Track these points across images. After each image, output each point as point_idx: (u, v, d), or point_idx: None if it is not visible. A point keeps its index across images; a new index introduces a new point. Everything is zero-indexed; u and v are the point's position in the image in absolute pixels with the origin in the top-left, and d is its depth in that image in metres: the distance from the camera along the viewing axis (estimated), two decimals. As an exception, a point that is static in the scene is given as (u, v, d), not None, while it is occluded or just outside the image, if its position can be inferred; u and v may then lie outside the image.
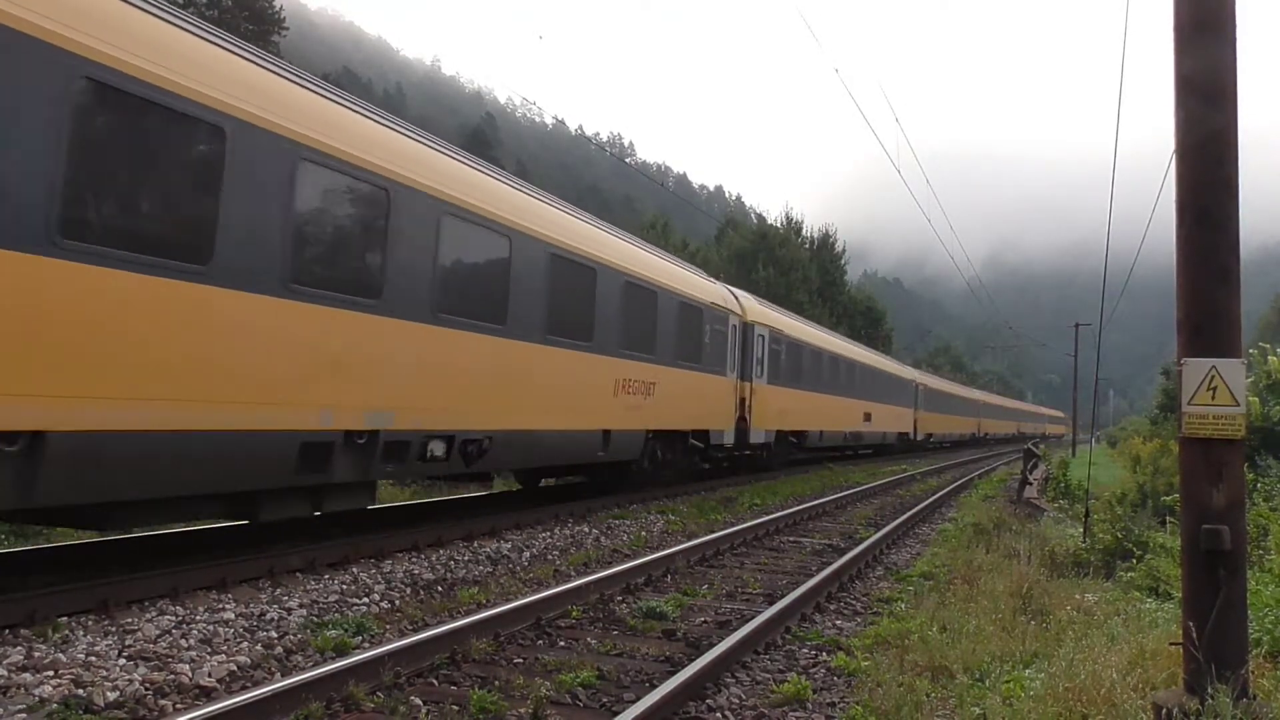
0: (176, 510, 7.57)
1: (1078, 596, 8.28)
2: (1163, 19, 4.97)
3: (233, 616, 6.60)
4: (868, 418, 32.50)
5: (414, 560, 9.11)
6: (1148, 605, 7.91)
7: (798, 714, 5.28)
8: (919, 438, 43.46)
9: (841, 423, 29.13)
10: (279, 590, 7.50)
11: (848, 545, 11.55)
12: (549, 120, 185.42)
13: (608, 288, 13.29)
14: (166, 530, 9.39)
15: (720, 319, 18.20)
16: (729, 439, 18.67)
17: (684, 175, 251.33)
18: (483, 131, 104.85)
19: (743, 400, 19.39)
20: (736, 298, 20.13)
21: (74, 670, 5.20)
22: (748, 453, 20.60)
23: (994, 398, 78.34)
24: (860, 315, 67.08)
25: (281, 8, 40.22)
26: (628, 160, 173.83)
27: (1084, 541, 11.76)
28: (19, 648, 5.50)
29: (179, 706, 4.86)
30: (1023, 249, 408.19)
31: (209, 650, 5.84)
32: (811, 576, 8.87)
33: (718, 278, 22.92)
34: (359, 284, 8.44)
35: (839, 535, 12.88)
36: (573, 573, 8.95)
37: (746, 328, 19.86)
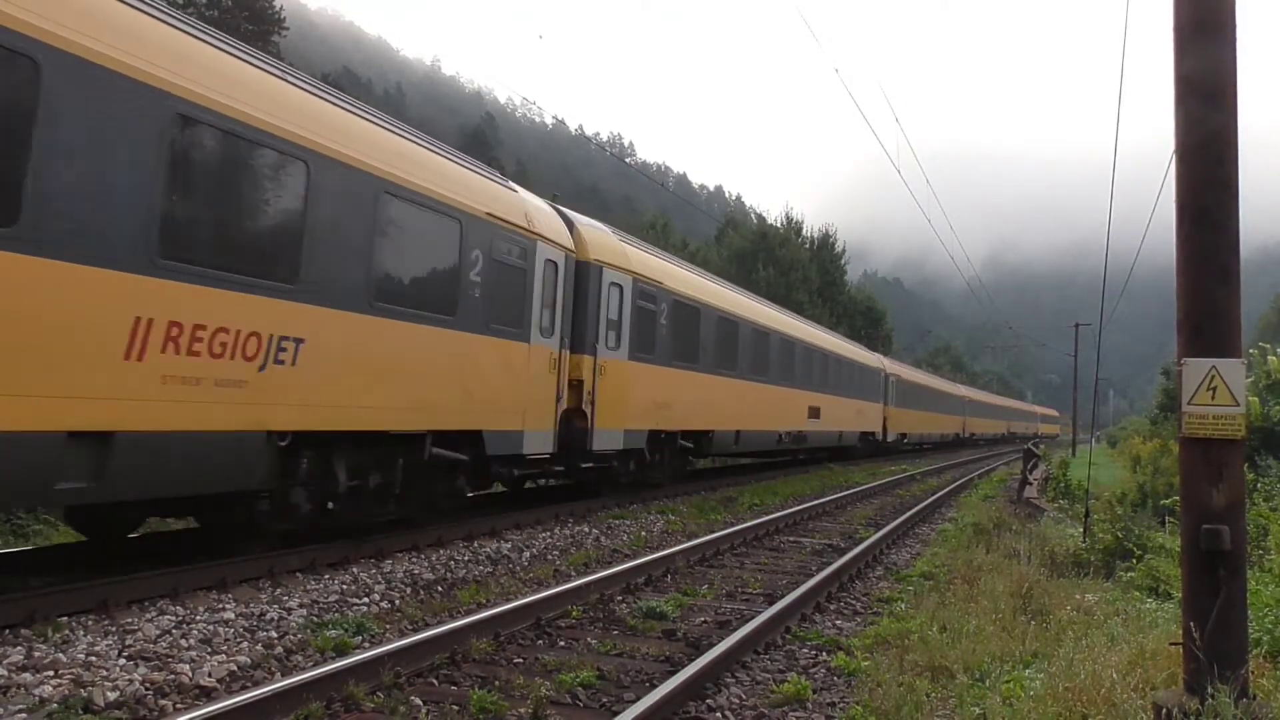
0: None
1: (1078, 596, 8.28)
2: (1163, 19, 4.98)
3: (233, 616, 6.60)
4: (815, 413, 25.40)
5: (414, 560, 9.11)
6: (1148, 605, 7.92)
7: (798, 714, 5.28)
8: (889, 438, 36.18)
9: (772, 420, 21.94)
10: (279, 590, 7.50)
11: (848, 545, 11.55)
12: (549, 120, 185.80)
13: (104, 113, 6.22)
14: (167, 530, 9.39)
15: (517, 247, 11.20)
16: (543, 444, 11.89)
17: (684, 175, 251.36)
18: (483, 131, 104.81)
19: (577, 384, 12.90)
20: (570, 223, 13.20)
21: (74, 670, 5.20)
22: (589, 465, 13.57)
23: (981, 394, 72.75)
24: (860, 315, 67.08)
25: (281, 8, 40.23)
26: (628, 160, 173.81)
27: (1084, 541, 11.77)
28: (19, 648, 5.50)
29: (179, 706, 4.86)
30: (1023, 249, 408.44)
31: (209, 650, 5.84)
32: (811, 576, 8.87)
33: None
34: None
35: (839, 535, 12.88)
36: (573, 573, 8.95)
37: (584, 270, 13.05)
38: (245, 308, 7.26)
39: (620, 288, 14.10)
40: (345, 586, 7.82)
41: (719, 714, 5.20)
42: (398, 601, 7.53)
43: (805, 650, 6.65)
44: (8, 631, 5.79)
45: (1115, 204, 11.39)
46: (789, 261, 59.02)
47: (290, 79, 8.25)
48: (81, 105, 6.11)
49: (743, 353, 19.85)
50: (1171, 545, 10.11)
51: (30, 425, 5.80)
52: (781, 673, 6.05)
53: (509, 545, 10.31)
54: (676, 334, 16.27)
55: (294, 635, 6.31)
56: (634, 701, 4.94)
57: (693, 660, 5.75)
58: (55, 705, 4.71)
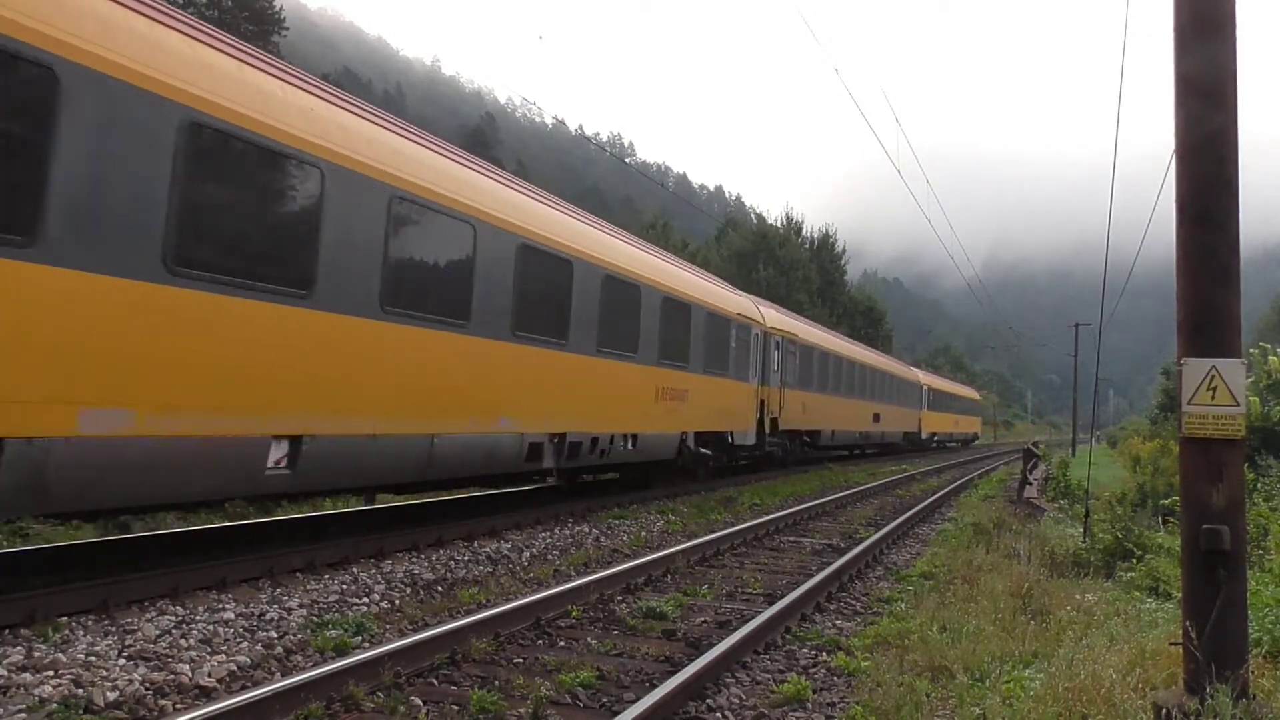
0: None
1: (1078, 596, 8.27)
2: (1163, 19, 4.98)
3: (233, 616, 6.60)
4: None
5: (414, 560, 9.11)
6: (1148, 605, 7.91)
7: (798, 714, 5.28)
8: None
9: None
10: (279, 590, 7.50)
11: (848, 545, 11.55)
12: (549, 120, 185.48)
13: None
14: (167, 530, 9.39)
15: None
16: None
17: (684, 175, 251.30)
18: (482, 131, 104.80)
19: (762, 403, 20.94)
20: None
21: (74, 670, 5.20)
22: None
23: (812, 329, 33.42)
24: (861, 315, 67.11)
25: (281, 8, 40.26)
26: (628, 160, 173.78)
27: (1084, 541, 11.76)
28: (19, 648, 5.50)
29: (179, 706, 4.86)
30: (1022, 249, 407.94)
31: (209, 650, 5.84)
32: (811, 576, 8.87)
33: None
34: None
35: (839, 535, 12.87)
36: (573, 573, 8.95)
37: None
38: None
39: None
40: (345, 586, 7.82)
41: (719, 714, 5.20)
42: (398, 601, 7.53)
43: (805, 650, 6.65)
44: (8, 631, 5.80)
45: (1115, 204, 11.38)
46: (789, 261, 59.13)
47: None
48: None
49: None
50: (1171, 545, 10.10)
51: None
52: (781, 673, 6.05)
53: (509, 545, 10.31)
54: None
55: (294, 635, 6.31)
56: (634, 701, 4.94)
57: (693, 660, 5.74)
58: (55, 705, 4.71)
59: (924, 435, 44.52)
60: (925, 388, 45.04)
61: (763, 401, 20.98)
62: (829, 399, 27.40)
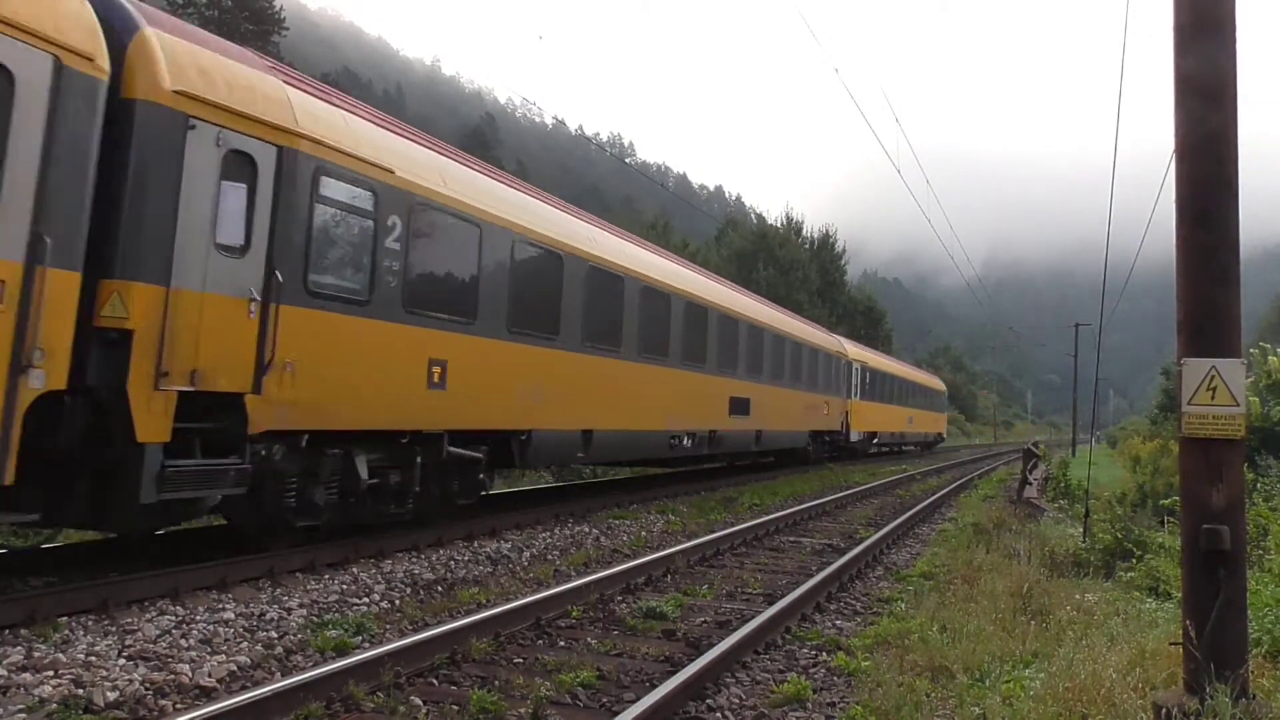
0: None
1: (1078, 596, 8.28)
2: (1163, 19, 4.98)
3: (233, 616, 6.60)
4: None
5: (414, 560, 9.11)
6: (1148, 605, 7.92)
7: (798, 714, 5.28)
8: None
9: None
10: (279, 590, 7.50)
11: (848, 545, 11.55)
12: (549, 120, 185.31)
13: None
14: (167, 530, 9.38)
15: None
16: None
17: (684, 175, 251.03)
18: (482, 131, 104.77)
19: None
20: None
21: (74, 670, 5.20)
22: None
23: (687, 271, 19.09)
24: (860, 315, 67.12)
25: (281, 8, 40.24)
26: (628, 160, 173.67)
27: (1084, 541, 11.77)
28: (19, 648, 5.50)
29: (179, 706, 4.86)
30: (1022, 249, 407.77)
31: (209, 650, 5.84)
32: (811, 576, 8.87)
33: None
34: None
35: (839, 535, 12.87)
36: (573, 573, 8.95)
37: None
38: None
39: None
40: (345, 586, 7.82)
41: (719, 714, 5.20)
42: (398, 601, 7.53)
43: (805, 650, 6.65)
44: (8, 631, 5.79)
45: (1115, 204, 11.38)
46: (789, 261, 59.12)
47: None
48: None
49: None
50: (1171, 545, 10.10)
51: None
52: (781, 673, 6.05)
53: (509, 545, 10.31)
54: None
55: (294, 635, 6.31)
56: (634, 701, 4.94)
57: (693, 660, 5.74)
58: (55, 705, 4.71)
59: (853, 437, 30.26)
60: (856, 365, 30.73)
61: (120, 332, 6.44)
62: (568, 359, 12.43)
